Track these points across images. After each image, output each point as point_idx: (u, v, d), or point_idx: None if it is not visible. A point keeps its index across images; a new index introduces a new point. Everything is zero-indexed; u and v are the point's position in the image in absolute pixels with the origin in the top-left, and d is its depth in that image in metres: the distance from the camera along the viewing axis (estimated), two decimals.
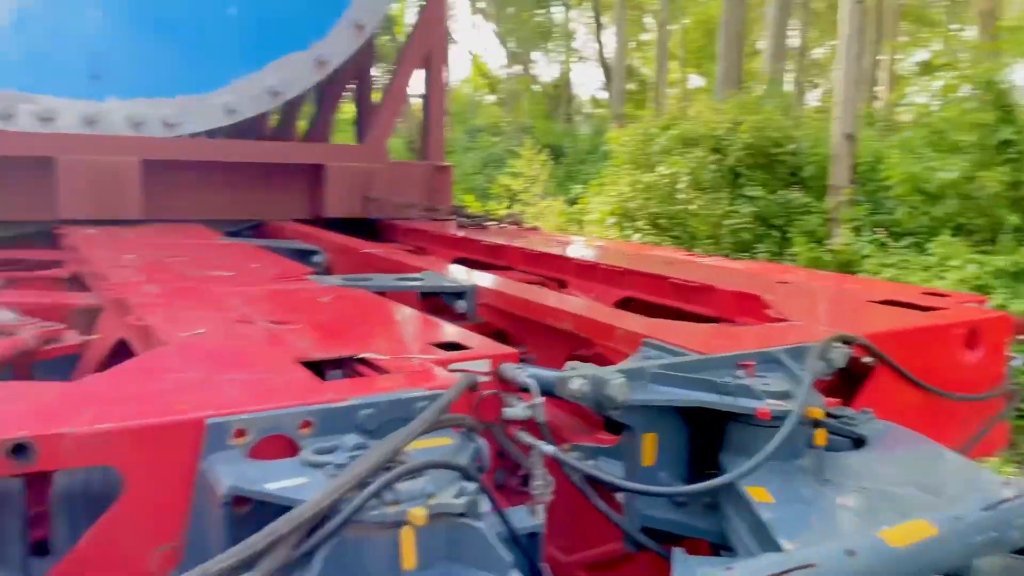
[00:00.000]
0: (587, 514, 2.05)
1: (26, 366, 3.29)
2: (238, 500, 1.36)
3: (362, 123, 7.47)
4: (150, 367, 1.80)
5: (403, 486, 1.30)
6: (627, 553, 2.09)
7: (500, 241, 4.66)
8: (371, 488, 1.26)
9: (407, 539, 1.24)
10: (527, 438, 1.87)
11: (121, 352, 2.64)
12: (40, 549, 1.98)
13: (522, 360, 2.08)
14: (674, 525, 1.91)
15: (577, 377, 1.86)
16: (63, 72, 4.91)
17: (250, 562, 1.15)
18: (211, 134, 5.78)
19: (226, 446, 1.47)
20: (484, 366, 1.99)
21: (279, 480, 1.36)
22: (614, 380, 1.82)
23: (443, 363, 1.97)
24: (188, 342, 2.05)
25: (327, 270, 4.63)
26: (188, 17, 5.18)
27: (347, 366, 2.03)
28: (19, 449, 1.34)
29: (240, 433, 1.48)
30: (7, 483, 1.78)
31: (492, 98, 39.94)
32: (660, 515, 1.93)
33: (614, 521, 1.96)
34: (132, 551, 1.44)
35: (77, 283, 3.80)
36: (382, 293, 3.10)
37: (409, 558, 1.24)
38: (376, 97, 7.04)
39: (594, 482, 1.98)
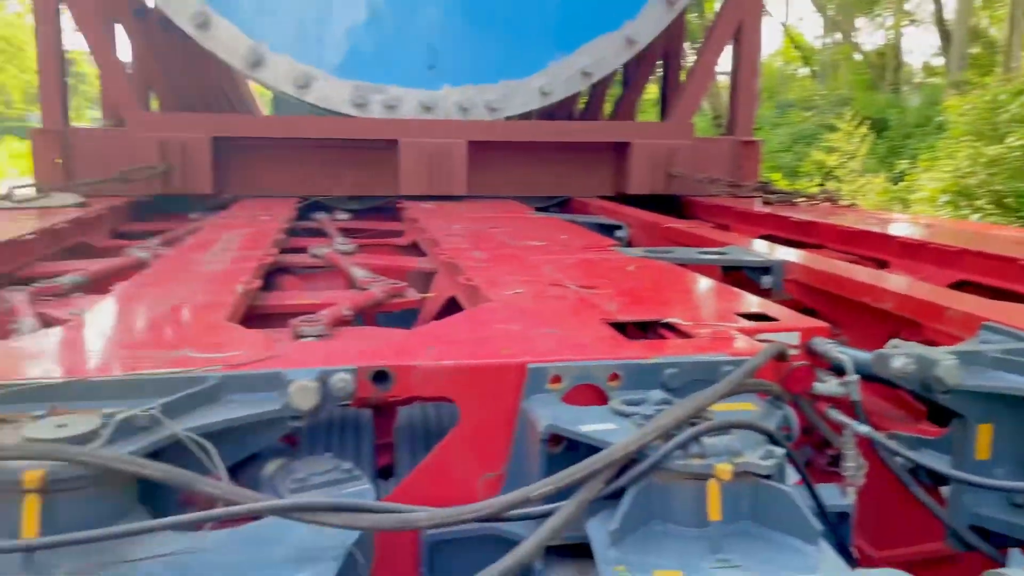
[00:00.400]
0: (902, 507, 1.91)
1: (373, 316, 3.84)
2: (554, 438, 1.49)
3: (666, 100, 7.47)
4: (479, 319, 2.02)
5: (709, 441, 1.32)
6: (947, 554, 1.91)
7: (811, 218, 4.41)
8: (679, 438, 1.31)
9: (712, 492, 1.27)
10: (840, 416, 1.78)
11: (451, 308, 2.98)
12: (384, 473, 2.33)
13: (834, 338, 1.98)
14: (1011, 527, 1.70)
15: (901, 355, 1.73)
16: (405, 64, 5.57)
17: (566, 490, 1.26)
18: (525, 116, 6.18)
19: (544, 390, 1.61)
20: (792, 339, 1.93)
21: (591, 424, 1.47)
22: (945, 361, 1.67)
23: (748, 332, 1.94)
24: (509, 300, 2.25)
25: (629, 244, 4.75)
26: (512, 7, 5.58)
27: (651, 330, 2.09)
28: (380, 376, 1.59)
29: (556, 379, 1.61)
30: (362, 414, 2.12)
31: (805, 71, 37.39)
32: (994, 515, 1.73)
33: (939, 516, 1.80)
34: (462, 476, 1.64)
35: (415, 249, 4.33)
36: (684, 265, 3.12)
37: (714, 510, 1.26)
38: (682, 74, 7.00)
39: (913, 473, 1.84)
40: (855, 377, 1.76)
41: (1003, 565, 1.42)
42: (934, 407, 2.05)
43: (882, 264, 3.67)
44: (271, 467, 1.61)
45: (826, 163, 16.29)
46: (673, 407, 1.42)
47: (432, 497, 1.62)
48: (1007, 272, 3.00)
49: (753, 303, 2.28)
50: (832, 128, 17.16)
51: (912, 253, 3.55)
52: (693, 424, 1.35)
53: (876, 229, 3.89)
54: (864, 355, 1.81)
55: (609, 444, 1.37)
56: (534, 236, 3.69)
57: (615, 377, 1.63)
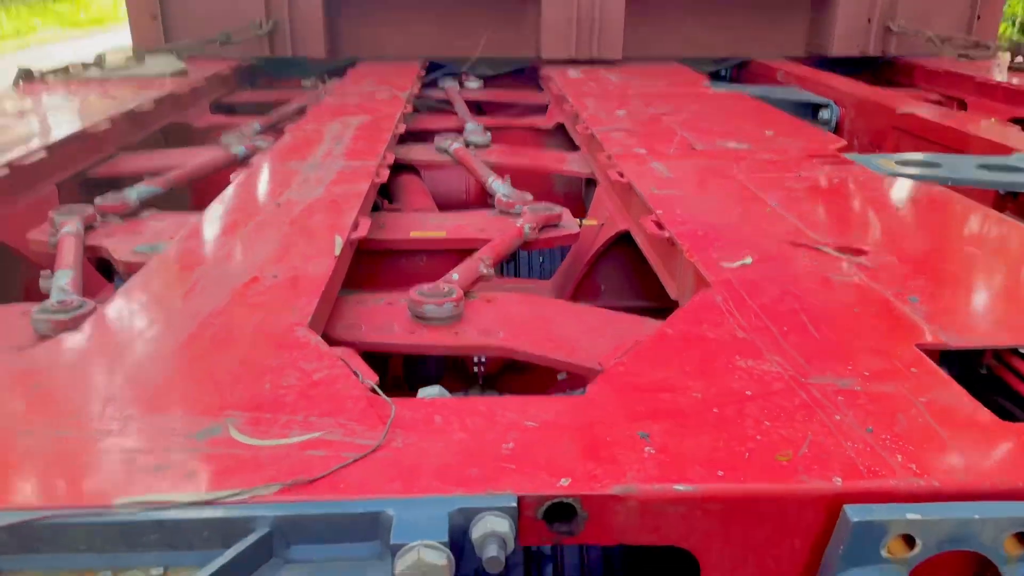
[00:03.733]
0: None
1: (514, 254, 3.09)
2: None
3: None
4: (705, 338, 1.22)
5: None
6: None
7: None
8: None
9: None
10: None
11: (621, 243, 2.19)
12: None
13: None
14: None
15: None
16: None
17: None
18: None
19: (875, 557, 0.84)
20: None
21: None
22: None
23: None
24: (737, 280, 1.44)
25: (836, 130, 3.70)
26: None
27: (999, 358, 1.24)
28: (559, 512, 0.86)
29: (904, 539, 0.83)
30: None
31: None
32: None
33: None
34: None
35: (561, 134, 3.49)
36: (956, 188, 2.17)
37: None
38: None
39: None
40: None
41: None
42: None
43: None
44: None
45: None
46: None
47: None
48: None
49: None
50: None
51: None
52: None
53: None
54: None
55: None
56: (728, 130, 2.76)
57: (1019, 538, 0.83)
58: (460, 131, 3.19)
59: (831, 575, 0.84)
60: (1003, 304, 1.35)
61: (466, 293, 1.66)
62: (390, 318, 1.59)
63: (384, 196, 2.56)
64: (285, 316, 1.28)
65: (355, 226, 1.76)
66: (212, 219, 1.80)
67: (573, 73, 4.17)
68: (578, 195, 3.45)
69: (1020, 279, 1.48)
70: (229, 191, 2.02)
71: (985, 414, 1.01)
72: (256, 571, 0.80)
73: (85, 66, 3.89)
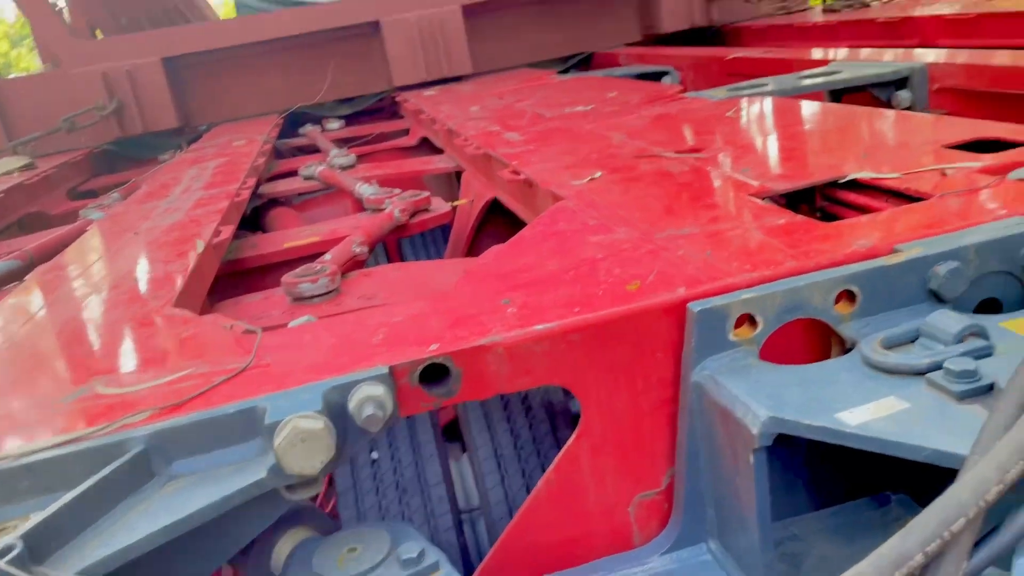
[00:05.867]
0: None
1: (396, 245, 3.12)
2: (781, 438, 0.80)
3: None
4: (557, 231, 1.29)
5: None
6: None
7: (902, 13, 3.51)
8: None
9: None
10: None
11: (496, 215, 2.26)
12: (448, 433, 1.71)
13: None
14: None
15: None
16: None
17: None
18: None
19: (724, 345, 0.90)
20: None
21: (849, 406, 0.76)
22: None
23: (996, 171, 1.20)
24: (587, 191, 1.51)
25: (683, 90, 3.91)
26: None
27: (828, 198, 1.35)
28: (434, 373, 0.89)
29: (745, 320, 0.90)
30: None
31: None
32: None
33: None
34: (603, 503, 0.96)
35: (428, 148, 3.56)
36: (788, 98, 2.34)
37: None
38: None
39: None
40: None
41: None
42: None
43: None
44: (281, 549, 0.95)
45: None
46: None
47: (564, 536, 0.95)
48: None
49: (961, 125, 1.51)
50: None
51: None
52: None
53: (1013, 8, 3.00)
54: None
55: (920, 451, 0.67)
56: (575, 100, 2.89)
57: (847, 297, 0.91)
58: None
59: (690, 370, 0.89)
60: (822, 157, 1.48)
61: (343, 274, 1.68)
62: (268, 308, 1.59)
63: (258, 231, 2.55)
64: (147, 304, 1.26)
65: (217, 233, 1.75)
66: (67, 257, 1.76)
67: (429, 92, 4.27)
68: (452, 194, 3.52)
69: (831, 138, 1.62)
70: (84, 236, 1.98)
71: (812, 223, 1.10)
72: (138, 490, 0.79)
73: None
